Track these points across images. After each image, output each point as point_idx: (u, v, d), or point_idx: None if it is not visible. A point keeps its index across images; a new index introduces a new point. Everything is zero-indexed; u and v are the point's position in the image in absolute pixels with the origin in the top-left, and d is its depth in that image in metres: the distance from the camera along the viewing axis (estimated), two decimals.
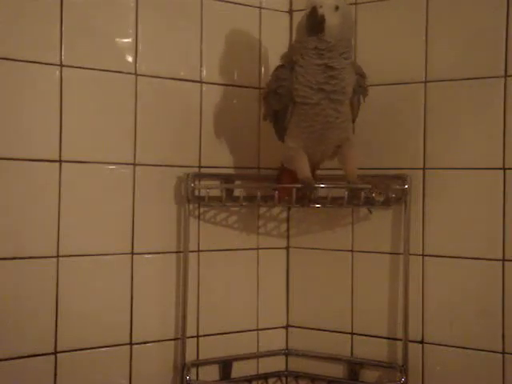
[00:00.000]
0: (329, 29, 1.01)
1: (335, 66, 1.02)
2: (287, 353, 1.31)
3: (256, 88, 1.28)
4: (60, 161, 1.08)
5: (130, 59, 1.14)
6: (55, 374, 1.08)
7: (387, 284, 1.22)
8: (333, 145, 1.11)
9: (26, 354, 1.05)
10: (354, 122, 1.13)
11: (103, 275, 1.12)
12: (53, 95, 1.07)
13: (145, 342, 1.16)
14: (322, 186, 1.13)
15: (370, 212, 1.20)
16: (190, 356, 1.20)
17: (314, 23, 1.00)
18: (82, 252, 1.10)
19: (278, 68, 1.10)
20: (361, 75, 1.09)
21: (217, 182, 1.23)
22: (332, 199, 1.12)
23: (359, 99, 1.10)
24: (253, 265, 1.29)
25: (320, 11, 0.99)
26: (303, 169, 1.11)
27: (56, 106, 1.07)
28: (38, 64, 1.05)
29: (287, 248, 1.32)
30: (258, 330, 1.29)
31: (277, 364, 1.31)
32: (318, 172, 1.19)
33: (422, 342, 1.19)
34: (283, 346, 1.31)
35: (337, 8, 1.01)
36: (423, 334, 1.19)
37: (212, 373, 1.24)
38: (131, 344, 1.15)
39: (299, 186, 1.10)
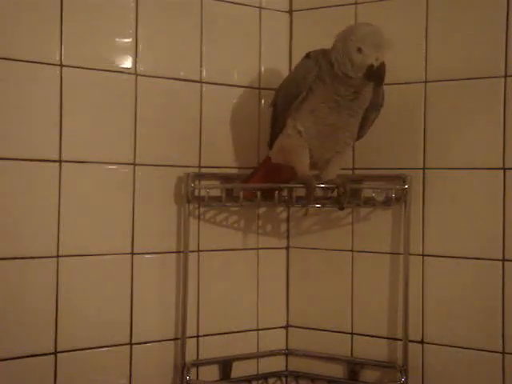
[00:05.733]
0: None
1: (361, 95, 1.04)
2: (287, 353, 1.31)
3: (256, 88, 1.28)
4: (60, 161, 1.08)
5: (129, 59, 1.14)
6: (55, 374, 1.08)
7: (387, 284, 1.22)
8: (338, 146, 1.10)
9: (25, 354, 1.05)
10: (360, 138, 1.13)
11: (103, 275, 1.12)
12: (53, 95, 1.07)
13: (145, 342, 1.17)
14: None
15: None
16: (190, 356, 1.20)
17: (381, 79, 1.01)
18: (82, 252, 1.10)
19: (304, 59, 1.09)
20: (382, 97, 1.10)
21: (217, 182, 1.23)
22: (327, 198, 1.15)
23: (375, 117, 1.11)
24: (253, 265, 1.29)
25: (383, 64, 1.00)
26: (303, 165, 1.11)
27: (56, 106, 1.07)
28: (37, 64, 1.05)
29: (287, 248, 1.32)
30: (258, 330, 1.29)
31: (277, 364, 1.30)
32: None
33: (422, 342, 1.19)
34: (283, 346, 1.31)
35: None
36: (423, 334, 1.19)
37: (212, 373, 1.24)
38: (131, 344, 1.15)
39: (284, 186, 1.14)
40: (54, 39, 1.07)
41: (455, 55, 1.16)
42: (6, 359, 1.03)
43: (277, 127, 1.14)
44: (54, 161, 1.07)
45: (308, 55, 1.08)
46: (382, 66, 0.99)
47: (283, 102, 1.11)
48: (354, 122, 1.08)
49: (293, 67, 1.28)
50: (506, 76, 1.11)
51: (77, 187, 1.10)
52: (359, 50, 0.99)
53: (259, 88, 1.28)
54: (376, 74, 1.00)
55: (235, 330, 1.26)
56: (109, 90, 1.12)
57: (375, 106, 1.09)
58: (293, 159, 1.13)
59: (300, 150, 1.10)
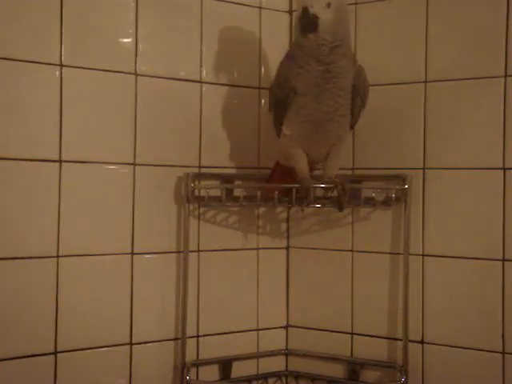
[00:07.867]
0: (323, 27, 1.00)
1: (334, 68, 1.02)
2: (287, 353, 1.31)
3: (256, 88, 1.28)
4: (60, 161, 1.08)
5: (130, 59, 1.14)
6: (55, 374, 1.08)
7: (387, 284, 1.22)
8: (330, 139, 1.09)
9: (25, 354, 1.05)
10: (353, 127, 1.12)
11: (103, 275, 1.12)
12: (53, 95, 1.07)
13: (145, 342, 1.17)
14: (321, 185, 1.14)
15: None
16: (190, 356, 1.20)
17: (307, 23, 1.00)
18: (82, 252, 1.10)
19: (283, 61, 1.10)
20: (364, 80, 1.09)
21: (217, 182, 1.23)
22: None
23: (360, 103, 1.09)
24: (253, 265, 1.29)
25: (311, 11, 0.99)
26: (301, 165, 1.11)
27: (56, 107, 1.07)
28: (37, 64, 1.05)
29: (287, 248, 1.32)
30: (258, 330, 1.29)
31: (277, 364, 1.31)
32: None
33: (422, 342, 1.19)
34: (283, 346, 1.31)
35: (328, 5, 1.00)
36: (423, 334, 1.19)
37: (212, 373, 1.24)
38: (131, 344, 1.15)
39: (283, 186, 1.13)
40: (54, 39, 1.07)
41: (455, 55, 1.16)
42: (5, 359, 1.03)
43: (276, 131, 1.14)
44: (54, 161, 1.07)
45: (286, 54, 1.09)
46: (304, 9, 0.99)
47: (274, 108, 1.12)
48: (341, 111, 1.06)
49: None
50: (506, 76, 1.11)
51: (77, 187, 1.10)
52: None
53: (259, 88, 1.28)
54: (302, 22, 1.00)
55: (235, 330, 1.26)
56: (109, 90, 1.12)
57: (357, 91, 1.07)
58: (291, 161, 1.13)
59: (294, 151, 1.11)
